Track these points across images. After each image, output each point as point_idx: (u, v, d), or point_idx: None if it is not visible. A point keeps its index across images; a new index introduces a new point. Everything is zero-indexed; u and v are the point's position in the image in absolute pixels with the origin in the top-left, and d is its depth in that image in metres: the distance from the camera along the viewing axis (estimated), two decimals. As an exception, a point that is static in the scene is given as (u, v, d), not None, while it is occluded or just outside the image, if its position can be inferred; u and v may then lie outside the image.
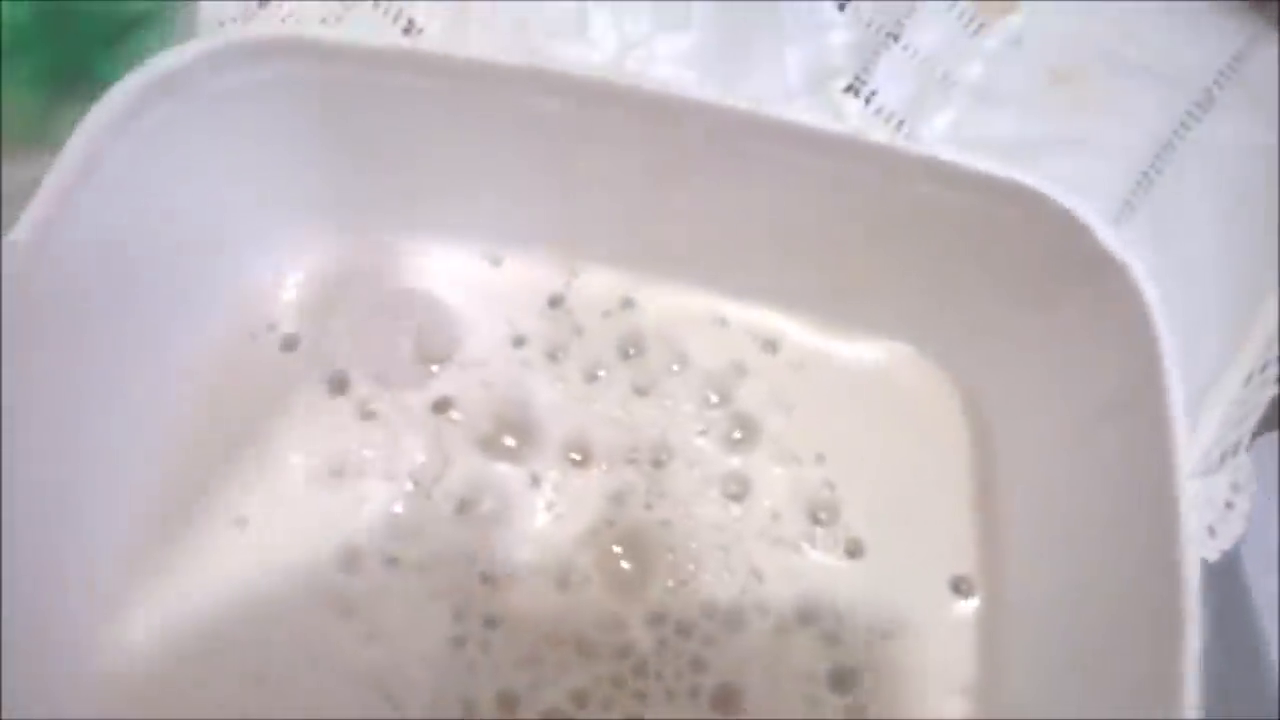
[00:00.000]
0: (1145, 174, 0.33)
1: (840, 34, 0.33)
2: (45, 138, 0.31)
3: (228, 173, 0.24)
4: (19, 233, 0.20)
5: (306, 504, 0.25)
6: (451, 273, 0.27)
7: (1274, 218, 0.33)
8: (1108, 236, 0.21)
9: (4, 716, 0.19)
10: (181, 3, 0.31)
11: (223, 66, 0.21)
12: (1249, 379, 0.32)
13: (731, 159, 0.23)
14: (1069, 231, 0.22)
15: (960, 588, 0.25)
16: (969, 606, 0.25)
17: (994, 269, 0.24)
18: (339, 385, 0.26)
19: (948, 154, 0.21)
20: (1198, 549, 0.20)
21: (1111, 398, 0.22)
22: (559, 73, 0.22)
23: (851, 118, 0.31)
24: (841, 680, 0.24)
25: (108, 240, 0.21)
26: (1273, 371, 0.33)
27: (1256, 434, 0.31)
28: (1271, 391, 0.32)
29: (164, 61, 0.21)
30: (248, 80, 0.22)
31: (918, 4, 0.34)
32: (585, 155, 0.24)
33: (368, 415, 0.26)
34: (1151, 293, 0.21)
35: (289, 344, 0.26)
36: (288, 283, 0.26)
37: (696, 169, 0.24)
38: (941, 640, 0.25)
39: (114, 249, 0.22)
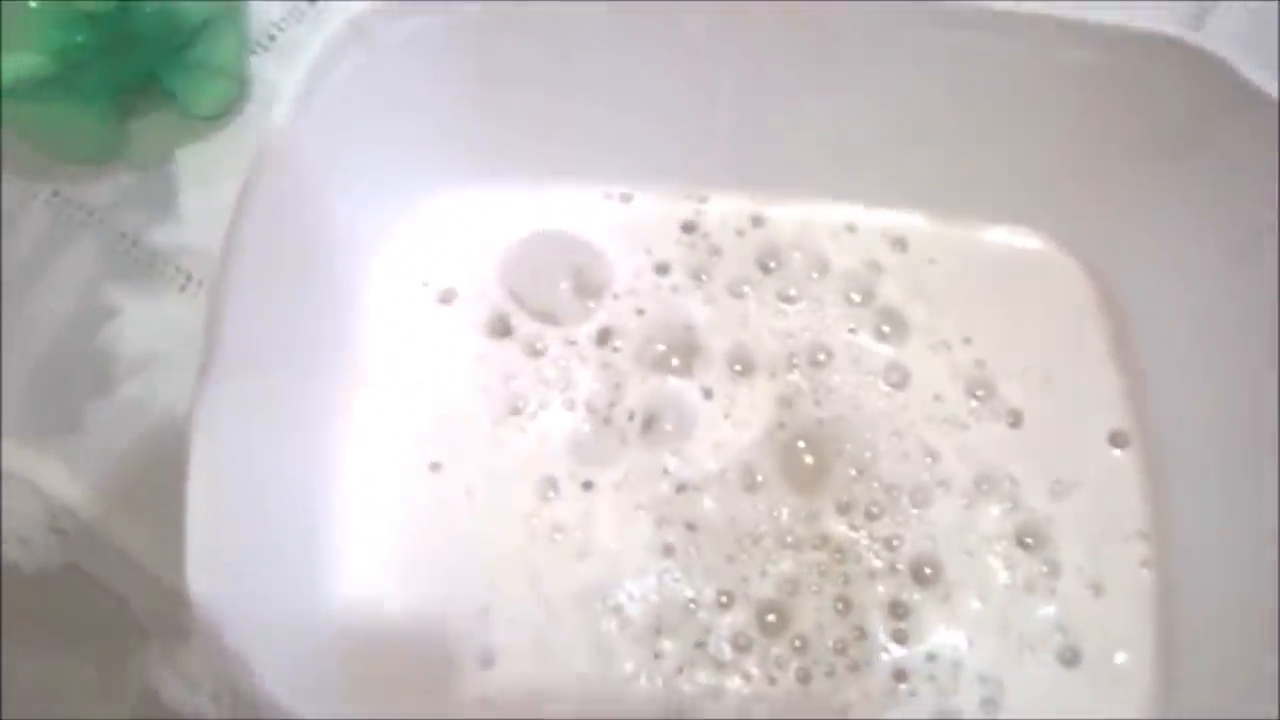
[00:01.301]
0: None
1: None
2: (120, 154, 0.32)
3: (382, 130, 0.26)
4: (240, 198, 0.21)
5: (495, 442, 0.26)
6: (587, 213, 0.29)
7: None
8: (1248, 70, 0.24)
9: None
10: (243, 3, 0.33)
11: (403, 12, 0.23)
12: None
13: (860, 55, 0.26)
14: (1200, 72, 0.24)
15: (1118, 441, 0.28)
16: (1130, 457, 0.28)
17: (1114, 132, 0.26)
18: (502, 329, 0.28)
19: (1079, 11, 0.24)
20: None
21: (1254, 232, 0.25)
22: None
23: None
24: (1029, 539, 0.27)
25: (297, 208, 0.23)
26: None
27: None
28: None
29: (354, 11, 0.23)
30: (419, 27, 0.24)
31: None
32: (716, 74, 0.26)
33: (536, 353, 0.28)
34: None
35: (446, 297, 0.28)
36: (432, 239, 0.28)
37: (824, 72, 0.26)
38: (1111, 491, 0.27)
39: (298, 216, 0.24)
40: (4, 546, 0.28)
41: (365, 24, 0.23)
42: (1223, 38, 0.34)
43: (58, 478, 0.27)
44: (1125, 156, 0.27)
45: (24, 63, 0.28)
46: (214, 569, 0.20)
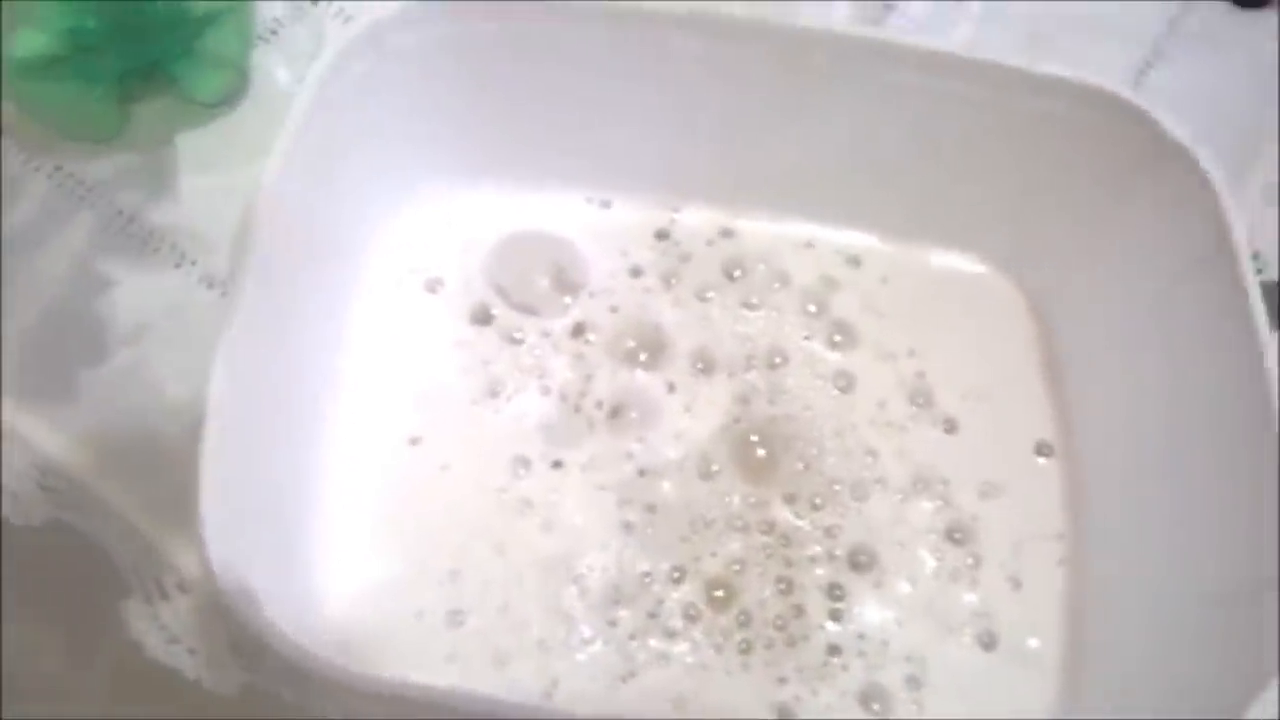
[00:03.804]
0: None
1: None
2: (122, 134, 0.35)
3: (385, 128, 0.28)
4: (265, 180, 0.24)
5: (472, 420, 0.29)
6: (569, 215, 0.32)
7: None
8: (1175, 127, 0.28)
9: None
10: (251, 1, 0.35)
11: (417, 20, 0.26)
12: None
13: (834, 88, 0.29)
14: (1135, 126, 0.28)
15: (1043, 450, 0.31)
16: (1053, 466, 0.31)
17: (1056, 172, 0.30)
18: (483, 318, 0.31)
19: (1029, 64, 0.27)
20: None
21: (1177, 271, 0.28)
22: (702, 13, 0.27)
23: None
24: (957, 535, 0.30)
25: (310, 194, 0.26)
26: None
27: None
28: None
29: (375, 16, 0.25)
30: (427, 36, 0.27)
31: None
32: (699, 97, 0.30)
33: (514, 342, 0.31)
34: (1217, 173, 0.27)
35: (432, 286, 0.31)
36: (423, 231, 0.31)
37: (798, 101, 0.29)
38: (1033, 496, 0.30)
39: (310, 202, 0.26)
40: (-9, 500, 0.30)
41: (380, 30, 0.26)
42: (1159, 93, 0.39)
43: (50, 437, 0.29)
44: (1066, 195, 0.31)
45: (35, 42, 0.30)
46: (221, 520, 0.22)
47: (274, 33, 0.35)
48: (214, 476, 0.22)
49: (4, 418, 0.29)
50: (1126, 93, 0.29)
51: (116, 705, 0.32)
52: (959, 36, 0.40)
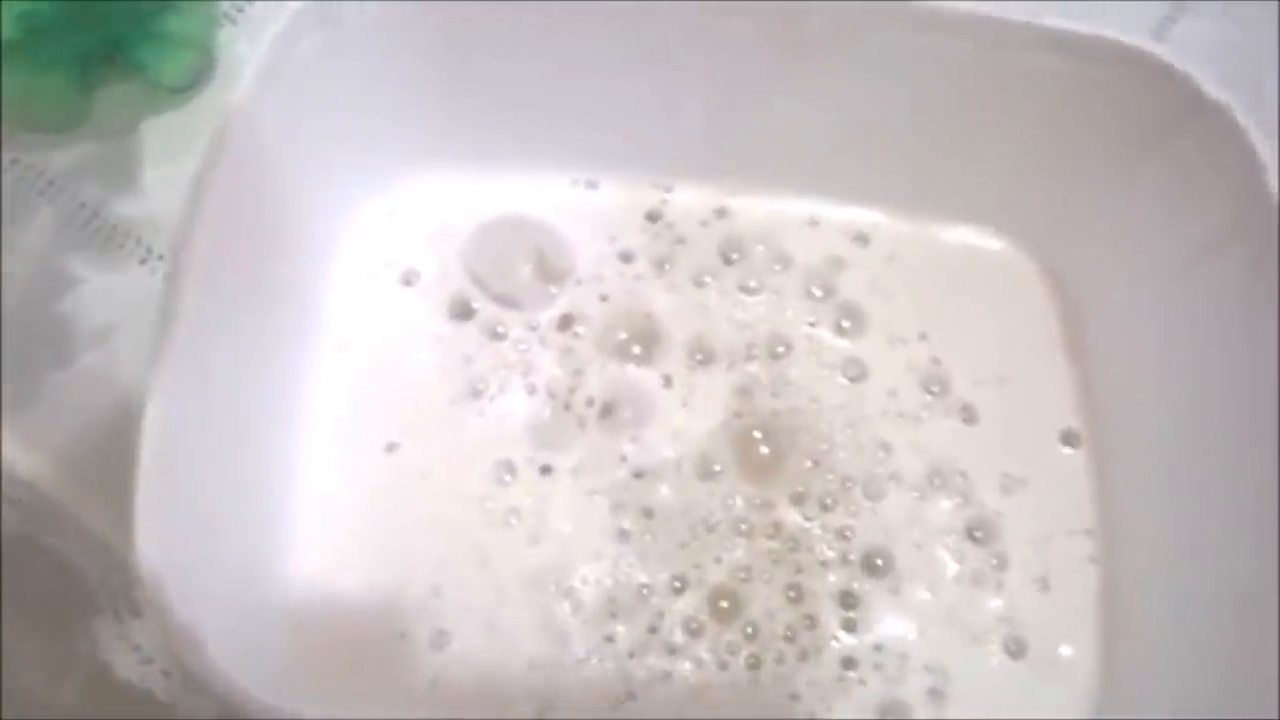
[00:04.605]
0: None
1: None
2: (84, 123, 0.32)
3: (348, 110, 0.26)
4: (204, 169, 0.21)
5: (453, 423, 0.27)
6: (553, 198, 0.29)
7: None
8: (1207, 82, 0.25)
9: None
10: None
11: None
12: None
13: (830, 54, 0.26)
14: (1164, 84, 0.25)
15: (1069, 440, 0.28)
16: (1080, 456, 0.28)
17: (1074, 136, 0.27)
18: (464, 312, 0.28)
19: (1046, 18, 0.25)
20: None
21: (1207, 240, 0.26)
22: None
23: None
24: (979, 534, 0.27)
25: (262, 182, 0.23)
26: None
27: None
28: None
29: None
30: (387, 6, 0.24)
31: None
32: (687, 67, 0.27)
33: (497, 337, 0.28)
34: (1254, 130, 0.24)
35: (408, 279, 0.28)
36: (397, 219, 0.28)
37: (794, 69, 0.27)
38: (1060, 488, 0.28)
39: (264, 191, 0.24)
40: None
41: (331, 3, 0.23)
42: (1185, 48, 0.36)
43: (12, 448, 0.27)
44: (1085, 162, 0.28)
45: (-17, 28, 0.28)
46: (164, 540, 0.20)
47: (240, 10, 0.33)
48: (154, 496, 0.20)
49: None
50: (1152, 47, 0.26)
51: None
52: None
